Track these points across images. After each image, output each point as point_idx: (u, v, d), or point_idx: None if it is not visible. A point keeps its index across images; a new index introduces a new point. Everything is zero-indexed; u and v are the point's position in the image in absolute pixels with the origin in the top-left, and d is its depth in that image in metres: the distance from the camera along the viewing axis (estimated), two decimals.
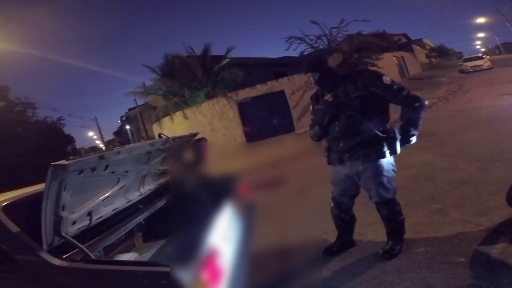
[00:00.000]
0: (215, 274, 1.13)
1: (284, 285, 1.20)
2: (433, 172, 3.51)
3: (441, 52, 33.93)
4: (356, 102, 1.95)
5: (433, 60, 30.81)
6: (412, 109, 1.94)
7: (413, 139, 2.01)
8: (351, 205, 2.23)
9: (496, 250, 1.82)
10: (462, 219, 2.28)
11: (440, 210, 2.53)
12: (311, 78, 2.06)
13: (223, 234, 1.27)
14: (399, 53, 20.25)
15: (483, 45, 46.42)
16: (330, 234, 2.55)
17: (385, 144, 1.96)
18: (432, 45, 36.12)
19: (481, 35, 42.19)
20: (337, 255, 2.23)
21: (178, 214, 1.22)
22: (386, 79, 1.95)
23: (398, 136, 1.99)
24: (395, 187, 2.06)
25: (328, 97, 2.03)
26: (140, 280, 1.25)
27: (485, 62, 16.90)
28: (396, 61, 18.37)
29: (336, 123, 2.02)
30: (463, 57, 21.86)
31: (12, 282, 1.45)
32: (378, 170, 1.97)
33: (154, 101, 13.06)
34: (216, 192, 1.36)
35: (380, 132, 1.96)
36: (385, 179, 1.99)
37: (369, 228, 2.43)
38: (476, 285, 1.59)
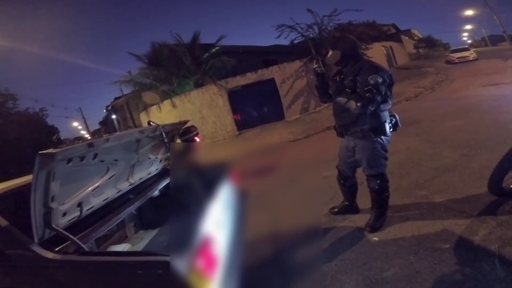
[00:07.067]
0: (210, 262, 1.14)
1: (280, 271, 1.22)
2: (419, 159, 3.61)
3: (428, 43, 34.21)
4: (351, 84, 2.11)
5: (420, 50, 31.12)
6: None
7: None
8: (351, 174, 2.46)
9: (478, 237, 1.90)
10: (446, 206, 2.37)
11: (426, 197, 2.61)
12: (329, 54, 2.22)
13: (217, 222, 1.27)
14: (387, 43, 20.33)
15: (470, 37, 47.09)
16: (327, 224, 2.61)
17: (371, 126, 2.10)
18: (420, 36, 36.37)
19: (468, 27, 42.66)
20: (328, 241, 2.28)
21: (171, 203, 1.21)
22: (375, 78, 1.97)
23: (386, 119, 2.14)
24: (384, 165, 2.20)
25: (333, 75, 2.27)
26: (135, 270, 1.24)
27: (470, 54, 17.14)
28: (384, 51, 18.47)
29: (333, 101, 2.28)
30: (450, 48, 22.10)
31: (6, 277, 1.42)
32: (365, 147, 2.15)
33: (149, 98, 12.79)
34: (208, 180, 1.35)
35: (368, 116, 2.08)
36: (371, 157, 2.15)
37: (358, 214, 2.48)
38: (460, 272, 1.66)
